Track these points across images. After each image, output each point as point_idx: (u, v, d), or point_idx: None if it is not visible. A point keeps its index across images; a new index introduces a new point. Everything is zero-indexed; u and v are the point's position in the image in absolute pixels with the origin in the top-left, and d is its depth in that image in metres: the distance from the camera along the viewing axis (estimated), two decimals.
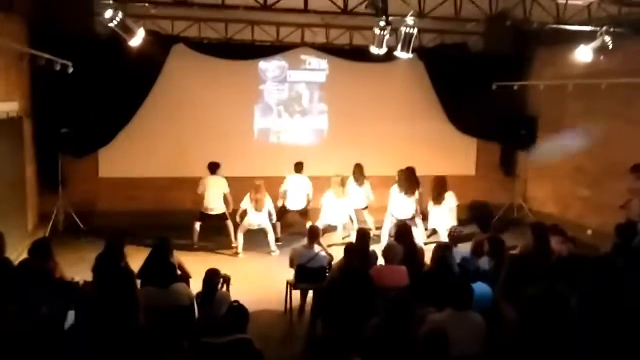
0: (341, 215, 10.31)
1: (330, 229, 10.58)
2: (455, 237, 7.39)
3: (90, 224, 10.65)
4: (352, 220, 10.42)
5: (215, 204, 9.91)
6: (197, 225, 9.95)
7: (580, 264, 6.07)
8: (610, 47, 8.33)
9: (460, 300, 4.74)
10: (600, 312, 4.98)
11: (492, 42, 12.10)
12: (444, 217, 10.00)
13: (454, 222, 9.74)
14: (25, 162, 9.87)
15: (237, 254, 9.76)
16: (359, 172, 10.62)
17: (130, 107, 11.06)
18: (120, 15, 7.17)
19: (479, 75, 11.89)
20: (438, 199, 10.06)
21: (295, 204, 10.31)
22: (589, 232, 10.60)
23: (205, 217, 9.97)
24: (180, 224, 10.41)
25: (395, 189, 10.04)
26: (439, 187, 10.10)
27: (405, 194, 9.89)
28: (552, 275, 5.43)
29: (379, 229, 10.54)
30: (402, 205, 9.92)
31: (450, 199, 10.06)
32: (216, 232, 10.19)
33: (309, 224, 9.81)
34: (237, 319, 4.44)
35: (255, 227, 9.73)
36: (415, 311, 4.68)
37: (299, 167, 10.34)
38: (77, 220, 10.67)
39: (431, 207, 10.25)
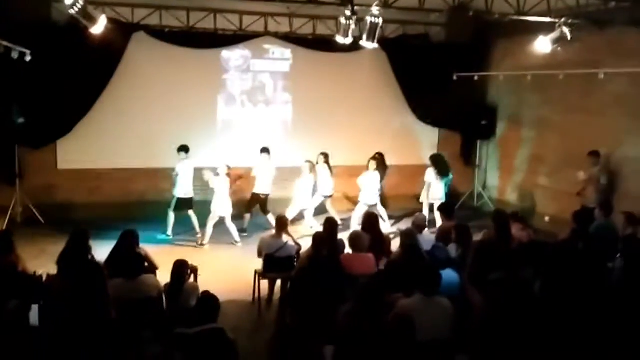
0: (314, 200, 10.63)
1: (299, 217, 10.67)
2: (420, 224, 7.52)
3: (49, 216, 10.40)
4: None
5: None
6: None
7: (540, 250, 6.30)
8: (569, 38, 8.56)
9: (429, 286, 4.84)
10: (562, 295, 5.17)
11: (453, 33, 12.39)
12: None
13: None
14: None
15: (202, 245, 9.71)
16: (325, 160, 10.74)
17: (90, 96, 10.77)
18: (81, 1, 6.98)
19: (440, 66, 12.05)
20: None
21: (264, 188, 10.38)
22: (547, 218, 10.93)
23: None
24: (144, 214, 10.29)
25: (371, 176, 10.26)
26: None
27: (381, 180, 10.38)
28: (514, 261, 5.60)
29: (342, 219, 10.71)
30: (375, 192, 10.32)
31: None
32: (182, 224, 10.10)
33: (269, 215, 9.90)
34: (208, 309, 4.43)
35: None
36: (383, 297, 4.76)
37: (266, 151, 10.43)
38: (36, 212, 10.41)
39: (435, 181, 10.76)
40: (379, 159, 10.68)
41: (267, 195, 10.46)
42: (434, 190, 10.79)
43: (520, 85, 11.61)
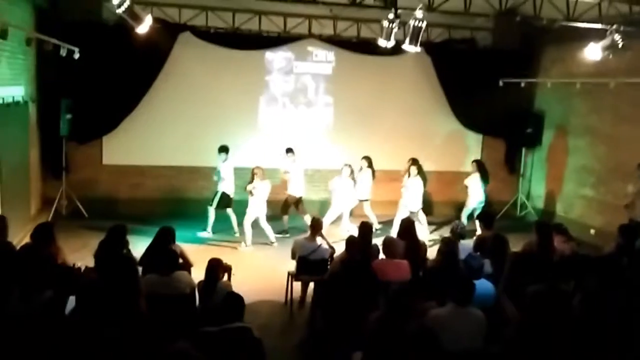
0: (351, 202, 10.51)
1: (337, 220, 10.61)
2: (458, 232, 7.38)
3: (93, 210, 10.66)
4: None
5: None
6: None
7: (582, 264, 6.07)
8: (620, 45, 8.27)
9: (462, 296, 4.72)
10: (602, 312, 4.97)
11: (500, 38, 12.13)
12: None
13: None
14: (30, 147, 9.88)
15: (246, 246, 9.73)
16: (368, 164, 10.68)
17: (135, 94, 11.02)
18: (128, 1, 7.13)
19: (485, 71, 11.83)
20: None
21: (295, 189, 10.40)
22: (592, 231, 10.58)
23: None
24: (184, 212, 10.44)
25: (414, 182, 10.18)
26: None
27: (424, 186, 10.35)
28: (554, 274, 5.41)
29: (380, 223, 10.65)
30: (418, 198, 10.25)
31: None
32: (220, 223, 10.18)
33: (307, 216, 9.87)
34: (233, 307, 4.42)
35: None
36: (413, 305, 4.67)
37: (291, 151, 10.47)
38: (80, 206, 10.69)
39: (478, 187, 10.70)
40: (418, 164, 10.49)
41: (299, 197, 10.46)
42: (477, 196, 10.61)
43: (568, 93, 11.30)
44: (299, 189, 10.44)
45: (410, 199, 10.21)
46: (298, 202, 10.48)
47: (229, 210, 10.10)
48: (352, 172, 10.50)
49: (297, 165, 10.47)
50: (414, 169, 10.28)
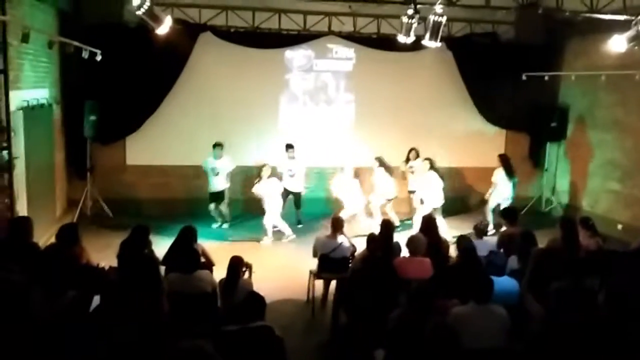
0: (377, 201, 10.58)
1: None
2: (481, 229, 7.31)
3: (117, 210, 10.79)
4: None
5: None
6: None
7: (608, 259, 5.96)
8: None
9: (480, 293, 4.67)
10: (628, 308, 4.87)
11: (522, 31, 11.94)
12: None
13: None
14: (55, 149, 10.03)
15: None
16: (380, 163, 10.65)
17: (158, 95, 11.12)
18: (147, 3, 7.18)
19: (508, 65, 11.67)
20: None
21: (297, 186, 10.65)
22: (620, 226, 10.38)
23: None
24: (206, 211, 10.49)
25: (432, 177, 10.12)
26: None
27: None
28: (579, 269, 5.32)
29: (402, 221, 10.62)
30: (440, 194, 10.17)
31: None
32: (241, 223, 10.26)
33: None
34: (254, 307, 4.43)
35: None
36: (434, 303, 4.63)
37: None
38: (105, 206, 10.83)
39: (503, 182, 10.63)
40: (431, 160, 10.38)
41: (299, 193, 10.70)
42: (503, 191, 10.52)
43: (593, 86, 11.09)
44: (299, 185, 10.61)
45: (430, 194, 10.12)
46: (297, 196, 10.70)
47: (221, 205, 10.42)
48: (357, 172, 10.64)
49: (298, 162, 10.62)
50: (426, 164, 10.19)
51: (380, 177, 10.60)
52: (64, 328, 4.13)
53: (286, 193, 10.53)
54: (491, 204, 10.67)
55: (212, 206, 10.41)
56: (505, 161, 10.73)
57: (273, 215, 9.83)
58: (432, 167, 10.16)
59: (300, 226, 10.51)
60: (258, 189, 9.84)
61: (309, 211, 10.91)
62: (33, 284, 4.70)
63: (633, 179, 10.38)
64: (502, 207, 10.11)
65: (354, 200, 10.36)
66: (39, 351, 3.92)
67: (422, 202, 10.18)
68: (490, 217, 10.55)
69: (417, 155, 10.87)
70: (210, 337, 4.14)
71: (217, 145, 10.28)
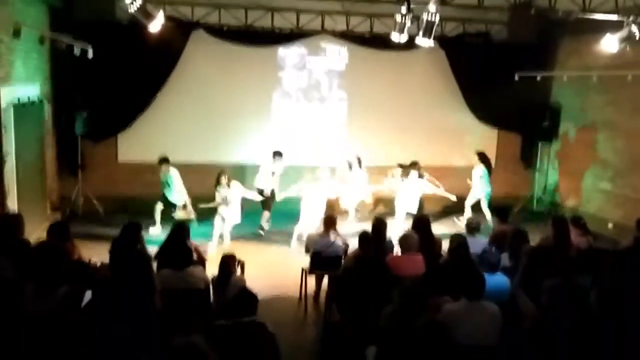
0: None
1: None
2: (473, 226, 7.32)
3: (109, 207, 10.74)
4: None
5: None
6: None
7: (599, 257, 5.99)
8: (638, 37, 8.11)
9: (472, 290, 4.68)
10: (618, 306, 4.89)
11: (515, 31, 11.99)
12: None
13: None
14: (46, 145, 9.97)
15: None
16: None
17: (149, 92, 11.08)
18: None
19: (500, 65, 11.71)
20: None
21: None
22: (610, 225, 10.45)
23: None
24: (198, 209, 10.44)
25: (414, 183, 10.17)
26: None
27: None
28: (570, 268, 5.34)
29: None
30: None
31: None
32: None
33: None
34: (246, 302, 4.42)
35: None
36: (427, 300, 4.64)
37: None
38: (96, 203, 10.77)
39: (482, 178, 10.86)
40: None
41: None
42: (483, 187, 10.80)
43: (585, 86, 11.15)
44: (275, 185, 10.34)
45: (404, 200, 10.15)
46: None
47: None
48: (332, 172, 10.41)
49: (281, 165, 10.36)
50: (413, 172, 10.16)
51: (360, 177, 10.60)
52: (56, 324, 4.09)
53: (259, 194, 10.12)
54: (470, 200, 10.88)
55: None
56: (485, 158, 11.02)
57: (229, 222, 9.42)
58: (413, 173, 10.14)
59: (262, 233, 10.15)
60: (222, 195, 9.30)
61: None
62: (24, 281, 4.67)
63: (624, 179, 10.46)
64: (483, 202, 10.55)
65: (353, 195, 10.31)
66: (31, 347, 3.89)
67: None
68: (469, 212, 10.82)
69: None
70: (202, 332, 4.13)
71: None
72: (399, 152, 11.44)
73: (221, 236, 9.36)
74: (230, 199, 9.24)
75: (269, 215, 10.23)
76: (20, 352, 3.82)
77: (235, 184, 9.34)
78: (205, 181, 11.35)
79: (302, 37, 11.71)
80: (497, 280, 5.45)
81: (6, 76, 7.81)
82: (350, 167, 10.59)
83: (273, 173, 10.27)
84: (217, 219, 9.26)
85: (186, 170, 11.46)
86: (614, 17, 8.63)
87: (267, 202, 10.17)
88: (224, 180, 9.21)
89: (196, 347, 2.91)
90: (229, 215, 9.31)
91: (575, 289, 5.09)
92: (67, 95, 10.36)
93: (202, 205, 9.38)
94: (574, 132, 11.94)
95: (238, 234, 10.01)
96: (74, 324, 4.18)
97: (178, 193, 9.88)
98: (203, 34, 11.21)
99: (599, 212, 10.96)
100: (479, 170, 10.88)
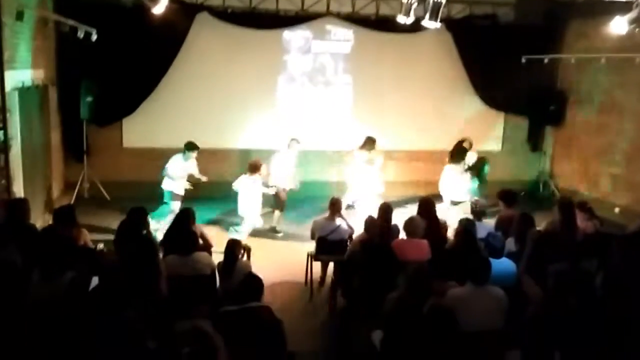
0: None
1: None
2: (478, 211, 7.29)
3: (114, 193, 10.74)
4: None
5: None
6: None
7: (605, 242, 5.96)
8: None
9: (478, 275, 4.67)
10: (624, 290, 4.88)
11: (522, 13, 11.86)
12: None
13: None
14: (51, 130, 9.95)
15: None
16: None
17: (154, 76, 11.02)
18: None
19: (508, 48, 11.57)
20: None
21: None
22: (617, 210, 10.40)
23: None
24: (204, 193, 10.45)
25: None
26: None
27: None
28: (577, 252, 5.32)
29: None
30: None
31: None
32: None
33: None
34: (252, 287, 4.43)
35: None
36: (432, 284, 4.64)
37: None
38: (102, 189, 10.78)
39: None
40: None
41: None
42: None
43: (593, 69, 11.05)
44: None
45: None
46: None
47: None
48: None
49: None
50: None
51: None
52: (62, 310, 4.11)
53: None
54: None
55: None
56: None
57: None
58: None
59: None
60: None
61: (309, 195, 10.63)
62: (31, 266, 4.69)
63: (632, 163, 10.39)
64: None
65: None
66: (37, 333, 3.91)
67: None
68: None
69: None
70: (209, 317, 4.15)
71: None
72: (405, 135, 11.40)
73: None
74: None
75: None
76: (26, 338, 3.84)
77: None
78: (208, 166, 11.38)
79: (307, 19, 11.58)
80: (503, 264, 5.44)
81: (10, 60, 7.76)
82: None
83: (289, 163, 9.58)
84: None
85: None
86: None
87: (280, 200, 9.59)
88: (264, 170, 8.91)
89: (202, 330, 2.92)
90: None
91: (581, 273, 5.08)
92: (71, 80, 10.31)
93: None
94: (581, 115, 11.84)
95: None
96: (80, 310, 4.19)
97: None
98: (207, 16, 11.12)
99: (606, 197, 10.90)
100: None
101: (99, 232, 8.16)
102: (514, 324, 4.73)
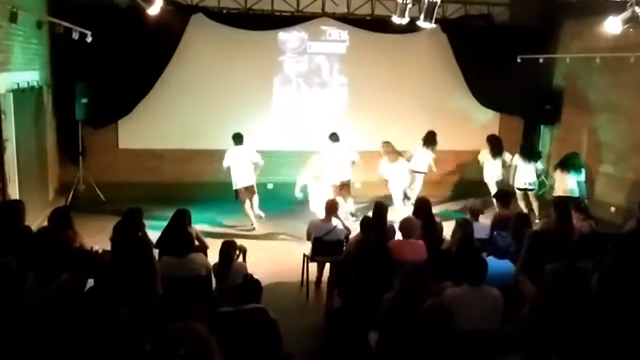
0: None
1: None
2: (475, 211, 7.30)
3: (110, 194, 10.72)
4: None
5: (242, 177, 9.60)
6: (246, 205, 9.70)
7: (601, 241, 5.98)
8: None
9: (473, 276, 4.68)
10: (620, 290, 4.89)
11: (517, 13, 11.89)
12: None
13: None
14: (46, 132, 9.94)
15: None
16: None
17: (150, 77, 11.00)
18: None
19: (503, 48, 11.60)
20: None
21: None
22: (613, 209, 10.42)
23: (237, 194, 9.65)
24: (199, 195, 10.45)
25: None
26: None
27: None
28: (573, 252, 5.34)
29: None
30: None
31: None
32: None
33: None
34: (251, 289, 4.44)
35: None
36: (428, 284, 4.64)
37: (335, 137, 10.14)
38: (98, 190, 10.76)
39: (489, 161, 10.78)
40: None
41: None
42: (489, 170, 10.72)
43: (587, 68, 11.06)
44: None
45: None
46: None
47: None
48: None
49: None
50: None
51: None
52: (57, 312, 4.10)
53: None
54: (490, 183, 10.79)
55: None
56: (491, 142, 10.83)
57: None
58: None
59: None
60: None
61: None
62: (26, 268, 4.67)
63: (627, 162, 10.40)
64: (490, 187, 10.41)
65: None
66: (32, 335, 3.89)
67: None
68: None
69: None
70: (204, 319, 4.14)
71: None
72: (400, 136, 11.38)
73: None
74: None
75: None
76: (22, 340, 3.82)
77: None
78: (204, 168, 11.40)
79: (302, 20, 11.57)
80: (502, 264, 5.45)
81: (5, 61, 7.76)
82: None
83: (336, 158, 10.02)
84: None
85: (187, 156, 11.51)
86: None
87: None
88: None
89: (197, 331, 2.90)
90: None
91: (576, 272, 5.10)
92: (67, 81, 10.30)
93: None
94: (576, 115, 11.86)
95: (242, 223, 10.00)
96: (75, 312, 4.18)
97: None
98: (202, 17, 11.10)
99: (601, 196, 10.92)
100: (486, 153, 10.86)
101: (95, 233, 8.12)
102: (510, 323, 4.74)
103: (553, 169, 10.16)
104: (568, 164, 9.57)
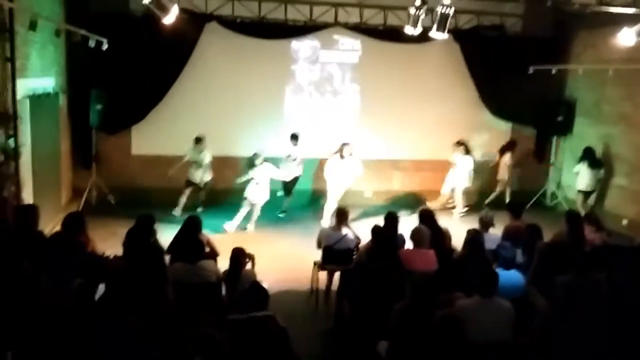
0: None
1: None
2: (486, 222, 7.27)
3: (122, 200, 10.80)
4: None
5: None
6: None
7: (613, 254, 5.95)
8: None
9: (485, 287, 4.67)
10: (632, 303, 4.87)
11: (530, 24, 11.88)
12: None
13: None
14: (61, 138, 10.04)
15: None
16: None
17: (163, 84, 11.10)
18: None
19: (515, 58, 11.58)
20: None
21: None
22: (625, 221, 10.35)
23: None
24: (211, 201, 10.50)
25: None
26: None
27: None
28: (584, 264, 5.31)
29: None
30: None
31: None
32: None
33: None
34: (257, 297, 4.46)
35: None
36: (438, 295, 4.63)
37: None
38: (110, 196, 10.85)
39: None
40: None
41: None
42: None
43: (600, 80, 11.02)
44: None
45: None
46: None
47: None
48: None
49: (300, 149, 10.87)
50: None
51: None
52: (69, 316, 4.14)
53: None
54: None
55: None
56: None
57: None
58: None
59: (282, 215, 10.88)
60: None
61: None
62: (39, 272, 4.72)
63: (639, 174, 10.33)
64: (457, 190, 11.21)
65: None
66: (45, 339, 3.94)
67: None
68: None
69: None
70: (215, 325, 4.17)
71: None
72: (412, 145, 11.41)
73: (245, 220, 9.94)
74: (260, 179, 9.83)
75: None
76: (35, 344, 3.87)
77: (266, 164, 9.92)
78: (217, 174, 11.45)
79: (315, 29, 11.64)
80: (511, 276, 5.43)
81: (22, 68, 7.86)
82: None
83: (289, 156, 10.66)
84: (245, 203, 9.90)
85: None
86: (631, 10, 8.51)
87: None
88: (258, 161, 9.80)
89: (212, 338, 2.94)
90: (258, 195, 9.85)
91: (587, 285, 5.07)
92: (82, 88, 10.42)
93: (238, 180, 9.99)
94: (589, 126, 11.81)
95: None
96: (87, 316, 4.22)
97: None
98: (217, 26, 11.20)
99: (613, 208, 10.85)
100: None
101: (107, 237, 8.17)
102: (521, 335, 4.72)
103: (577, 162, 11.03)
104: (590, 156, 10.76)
